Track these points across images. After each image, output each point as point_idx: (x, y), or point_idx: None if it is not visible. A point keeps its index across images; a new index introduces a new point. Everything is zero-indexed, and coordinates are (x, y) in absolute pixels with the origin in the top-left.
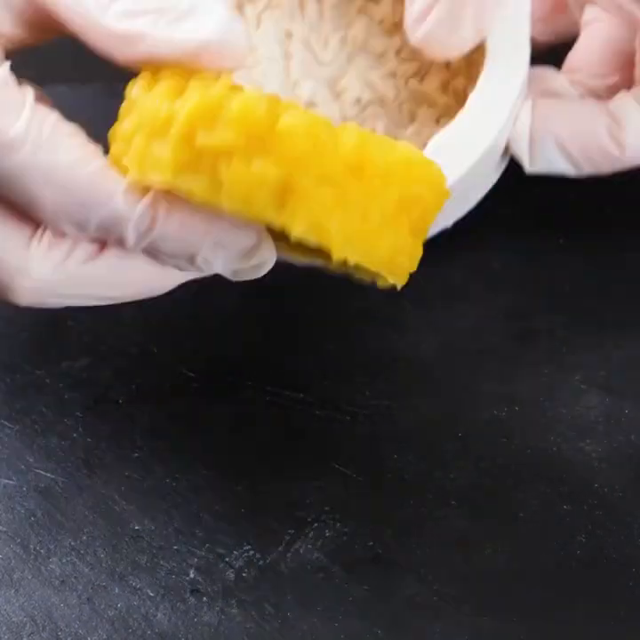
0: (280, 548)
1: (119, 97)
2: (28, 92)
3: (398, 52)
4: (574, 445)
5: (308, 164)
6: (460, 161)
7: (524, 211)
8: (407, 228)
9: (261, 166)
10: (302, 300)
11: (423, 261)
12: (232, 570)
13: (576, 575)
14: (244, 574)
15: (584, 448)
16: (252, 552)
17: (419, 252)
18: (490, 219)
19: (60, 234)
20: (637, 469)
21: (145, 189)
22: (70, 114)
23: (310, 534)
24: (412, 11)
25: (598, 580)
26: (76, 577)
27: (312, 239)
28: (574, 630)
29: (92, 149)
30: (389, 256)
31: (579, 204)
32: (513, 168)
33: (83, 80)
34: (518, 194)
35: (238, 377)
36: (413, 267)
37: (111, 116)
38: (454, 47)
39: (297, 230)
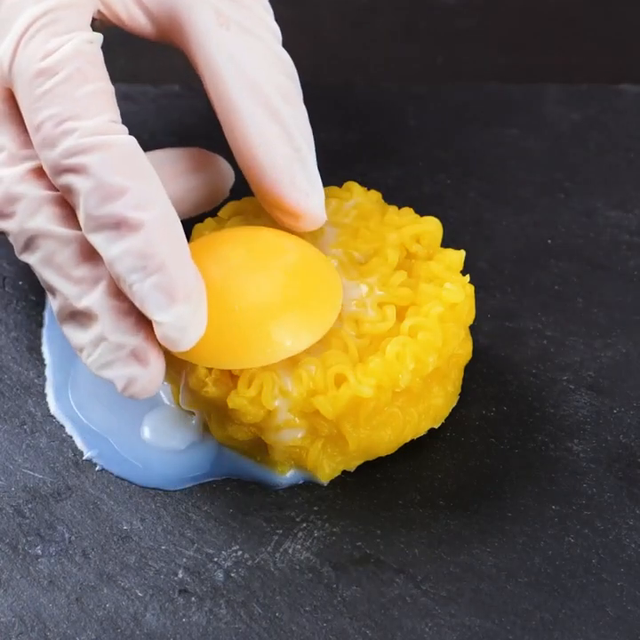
0: (269, 548)
1: (119, 96)
2: None
3: None
4: (563, 445)
5: (267, 425)
6: None
7: (511, 214)
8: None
9: (233, 430)
10: None
11: None
12: (221, 570)
13: (565, 575)
14: (232, 574)
15: (572, 448)
16: (240, 552)
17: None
18: (477, 222)
19: None
20: (626, 469)
21: None
22: None
23: (299, 534)
24: None
25: (587, 581)
26: (64, 577)
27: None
28: (563, 630)
29: None
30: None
31: (565, 205)
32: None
33: None
34: (504, 197)
35: None
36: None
37: None
38: None
39: (282, 469)
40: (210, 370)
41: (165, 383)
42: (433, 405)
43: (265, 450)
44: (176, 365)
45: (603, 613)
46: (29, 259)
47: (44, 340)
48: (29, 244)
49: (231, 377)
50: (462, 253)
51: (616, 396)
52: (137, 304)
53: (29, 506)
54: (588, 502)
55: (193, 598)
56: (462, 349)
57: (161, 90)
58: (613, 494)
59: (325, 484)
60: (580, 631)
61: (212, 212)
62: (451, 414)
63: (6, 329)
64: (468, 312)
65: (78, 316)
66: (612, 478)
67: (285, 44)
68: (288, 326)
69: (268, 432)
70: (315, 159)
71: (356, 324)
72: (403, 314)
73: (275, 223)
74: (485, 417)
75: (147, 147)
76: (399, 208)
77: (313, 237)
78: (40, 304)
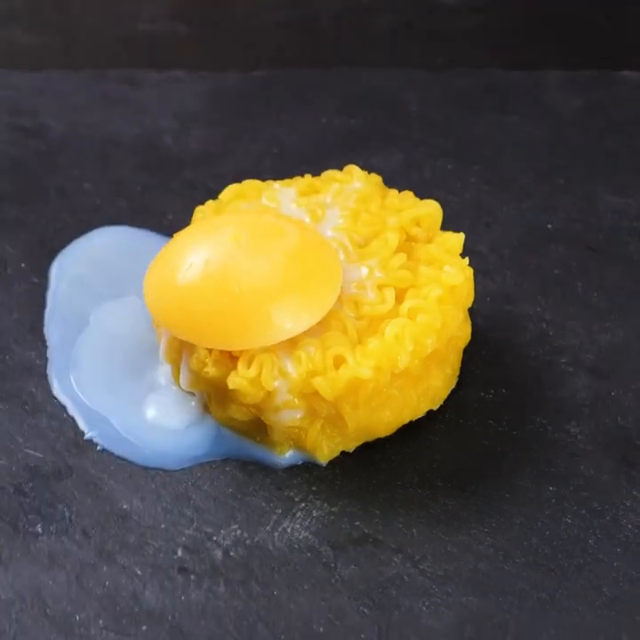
0: (268, 528)
1: (109, 82)
2: None
3: None
4: (561, 427)
5: (266, 406)
6: None
7: (511, 199)
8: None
9: (232, 410)
10: None
11: None
12: (220, 549)
13: (562, 555)
14: (231, 553)
15: (570, 430)
16: (239, 531)
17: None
18: (477, 207)
19: None
20: (623, 451)
21: None
22: (63, 98)
23: (298, 514)
24: None
25: (584, 561)
26: (64, 555)
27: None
28: (559, 610)
29: None
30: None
31: (565, 191)
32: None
33: (76, 66)
34: (505, 183)
35: None
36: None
37: (101, 100)
38: None
39: (281, 450)
40: (210, 351)
41: (166, 364)
42: (431, 387)
43: (264, 430)
44: (176, 346)
45: (599, 593)
46: None
47: (46, 321)
48: None
49: (231, 358)
50: (462, 236)
51: (614, 379)
52: None
53: (30, 485)
54: (586, 484)
55: (192, 576)
56: (461, 332)
57: (164, 75)
58: (611, 476)
59: (324, 465)
60: (576, 611)
61: (214, 195)
62: (449, 396)
63: (8, 311)
64: (466, 295)
65: None
66: (610, 460)
67: (287, 33)
68: (288, 308)
69: (267, 413)
70: None
71: (356, 305)
72: (402, 296)
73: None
74: (484, 399)
75: (149, 132)
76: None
77: (314, 220)
78: (42, 286)
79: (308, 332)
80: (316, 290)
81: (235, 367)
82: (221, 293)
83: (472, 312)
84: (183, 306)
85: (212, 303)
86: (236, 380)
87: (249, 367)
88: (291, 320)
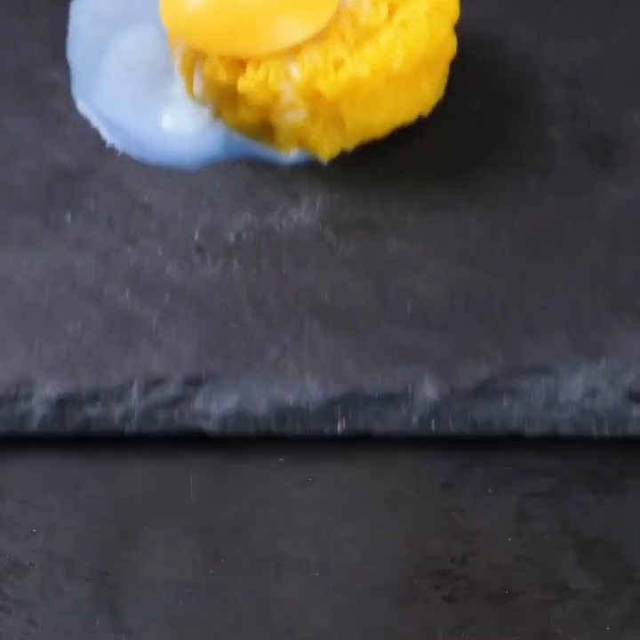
0: (276, 215)
1: None
2: None
3: None
4: (542, 131)
5: (272, 108)
6: None
7: None
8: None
9: (242, 113)
10: None
11: None
12: (232, 232)
13: (542, 237)
14: (243, 236)
15: (550, 133)
16: (250, 218)
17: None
18: None
19: None
20: (601, 150)
21: None
22: None
23: (302, 204)
24: None
25: (563, 241)
26: (91, 240)
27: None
28: (541, 281)
29: None
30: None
31: None
32: None
33: None
34: None
35: None
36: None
37: None
38: None
39: (287, 149)
40: (221, 59)
41: (180, 79)
42: (422, 93)
43: (271, 132)
44: (191, 58)
45: (577, 267)
46: None
47: (69, 48)
48: None
49: (240, 64)
50: None
51: (591, 91)
52: None
53: (58, 184)
54: (564, 176)
55: (208, 255)
56: (448, 44)
57: None
58: (588, 170)
59: (326, 163)
60: (555, 280)
61: None
62: (439, 108)
63: (31, 40)
64: (453, 9)
65: None
66: (587, 157)
67: None
68: (291, 16)
69: (273, 114)
70: None
71: (352, 17)
72: (394, 12)
73: None
74: (470, 109)
75: None
76: None
77: None
78: (63, 19)
79: (310, 40)
80: (316, 1)
81: (244, 72)
82: (231, 3)
83: (458, 35)
84: (197, 15)
85: (223, 11)
86: (245, 83)
87: (257, 71)
88: (294, 27)
